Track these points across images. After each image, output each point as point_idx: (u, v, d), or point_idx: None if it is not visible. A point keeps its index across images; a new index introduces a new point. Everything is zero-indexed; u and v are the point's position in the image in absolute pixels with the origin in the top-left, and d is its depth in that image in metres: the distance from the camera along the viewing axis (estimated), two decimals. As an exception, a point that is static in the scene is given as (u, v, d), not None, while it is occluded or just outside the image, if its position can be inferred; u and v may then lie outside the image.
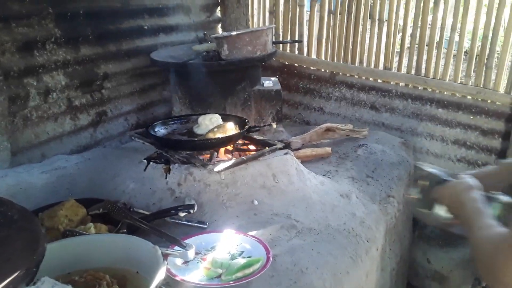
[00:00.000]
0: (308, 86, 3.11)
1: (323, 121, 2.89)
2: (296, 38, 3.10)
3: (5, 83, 1.74)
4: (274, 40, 2.76)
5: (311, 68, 3.09)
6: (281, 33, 3.14)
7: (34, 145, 1.97)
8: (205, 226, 1.58)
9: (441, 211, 1.32)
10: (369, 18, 2.94)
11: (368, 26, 2.93)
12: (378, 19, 2.87)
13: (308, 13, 3.08)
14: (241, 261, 1.36)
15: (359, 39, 2.91)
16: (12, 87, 1.83)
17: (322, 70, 3.06)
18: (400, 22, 2.78)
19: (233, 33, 2.35)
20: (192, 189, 1.70)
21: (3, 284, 0.77)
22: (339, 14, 2.93)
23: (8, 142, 1.76)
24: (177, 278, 1.28)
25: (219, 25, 3.15)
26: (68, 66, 2.08)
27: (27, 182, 1.66)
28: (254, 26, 3.24)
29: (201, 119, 2.00)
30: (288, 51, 3.17)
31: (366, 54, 2.92)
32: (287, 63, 3.17)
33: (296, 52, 3.14)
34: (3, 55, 1.79)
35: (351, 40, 2.95)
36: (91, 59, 2.19)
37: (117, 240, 1.32)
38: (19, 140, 1.89)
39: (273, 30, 2.91)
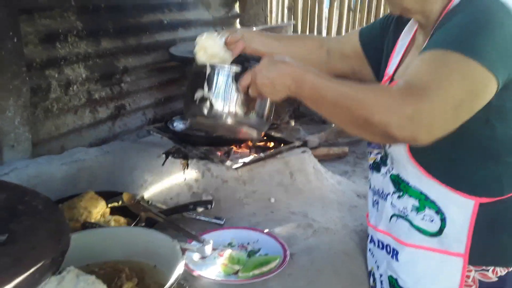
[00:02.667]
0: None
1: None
2: (315, 34, 3.08)
3: (27, 74, 1.75)
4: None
5: (329, 66, 3.07)
6: (299, 30, 3.13)
7: (54, 136, 1.99)
8: (222, 222, 1.58)
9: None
10: (390, 17, 2.91)
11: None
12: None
13: (327, 10, 3.06)
14: (258, 258, 1.36)
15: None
16: (34, 78, 1.84)
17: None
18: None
19: (253, 29, 2.35)
20: (210, 185, 1.71)
21: (30, 271, 0.78)
22: (359, 11, 2.92)
23: (29, 133, 1.78)
24: (194, 273, 1.28)
25: (238, 21, 3.15)
26: (88, 59, 2.09)
27: (47, 173, 1.67)
28: (273, 23, 3.24)
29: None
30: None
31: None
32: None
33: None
34: (26, 46, 1.80)
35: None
36: (112, 52, 2.20)
37: (136, 233, 1.33)
38: (40, 132, 1.91)
39: (292, 26, 2.90)
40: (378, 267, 1.32)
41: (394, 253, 1.24)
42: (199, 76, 1.11)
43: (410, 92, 0.88)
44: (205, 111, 1.09)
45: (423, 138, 0.88)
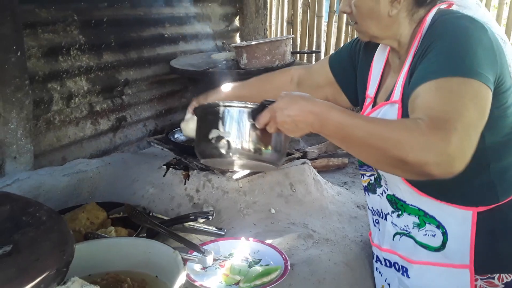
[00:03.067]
0: (324, 96, 3.12)
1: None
2: (314, 49, 3.12)
3: (30, 87, 1.78)
4: (292, 50, 2.78)
5: (328, 78, 3.10)
6: (298, 43, 3.17)
7: (56, 148, 2.01)
8: (223, 233, 1.59)
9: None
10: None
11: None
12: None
13: (326, 23, 3.11)
14: (259, 269, 1.37)
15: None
16: (37, 91, 1.87)
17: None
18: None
19: (252, 42, 2.38)
20: (210, 196, 1.72)
21: (35, 282, 0.79)
22: (357, 25, 2.96)
23: (31, 144, 1.80)
24: (196, 284, 1.29)
25: (238, 34, 3.19)
26: (90, 72, 2.12)
27: (49, 185, 1.69)
28: (272, 36, 3.28)
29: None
30: (305, 61, 3.19)
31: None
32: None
33: (313, 62, 3.16)
34: (29, 60, 1.83)
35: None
36: (113, 65, 2.23)
37: (137, 244, 1.34)
38: (42, 143, 1.93)
39: (291, 40, 2.94)
40: (389, 284, 1.33)
41: (404, 270, 1.25)
42: (212, 115, 1.10)
43: (437, 126, 0.88)
44: (222, 151, 1.08)
45: (458, 168, 0.88)
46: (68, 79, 2.02)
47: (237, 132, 1.07)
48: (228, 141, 1.07)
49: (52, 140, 1.99)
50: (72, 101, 2.04)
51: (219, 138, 1.08)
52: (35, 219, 1.01)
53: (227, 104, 1.09)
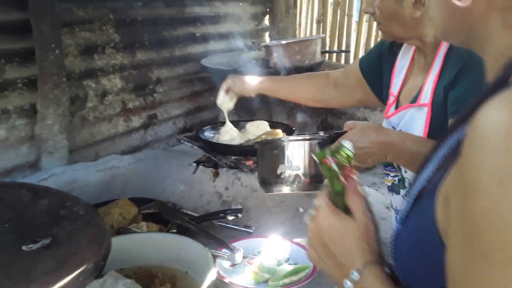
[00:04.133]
0: (353, 96, 3.09)
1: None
2: (343, 48, 3.10)
3: (67, 84, 1.83)
4: (322, 49, 2.77)
5: (357, 78, 3.08)
6: (328, 43, 3.15)
7: (89, 144, 2.06)
8: (251, 231, 1.60)
9: None
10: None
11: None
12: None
13: (356, 23, 3.08)
14: (287, 267, 1.37)
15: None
16: (73, 88, 1.92)
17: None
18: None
19: (282, 42, 2.38)
20: (239, 194, 1.74)
21: (73, 275, 0.82)
22: (389, 25, 2.92)
23: (67, 140, 1.85)
24: (225, 280, 1.30)
25: (267, 34, 3.19)
26: (124, 70, 2.17)
27: (83, 180, 1.74)
28: (302, 35, 3.27)
29: (249, 125, 2.04)
30: (334, 60, 3.17)
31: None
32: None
33: (343, 61, 3.14)
34: (67, 58, 1.89)
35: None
36: (146, 64, 2.28)
37: (168, 240, 1.36)
38: (76, 139, 1.99)
39: (322, 40, 2.93)
40: None
41: None
42: (278, 150, 1.13)
43: None
44: (293, 186, 1.11)
45: None
46: (102, 76, 2.07)
47: (307, 166, 1.08)
48: (297, 176, 1.09)
49: (86, 136, 2.04)
50: (106, 98, 2.10)
51: (288, 173, 1.10)
52: (72, 213, 1.05)
53: (293, 138, 1.13)
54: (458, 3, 0.55)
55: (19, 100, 1.75)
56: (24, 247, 0.93)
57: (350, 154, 0.78)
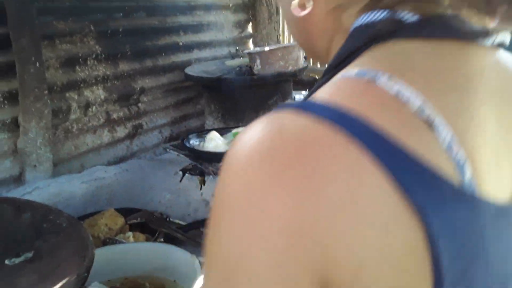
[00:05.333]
0: (338, 100, 3.11)
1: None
2: (327, 53, 3.12)
3: (49, 97, 1.82)
4: (305, 55, 2.79)
5: (342, 82, 3.10)
6: (311, 48, 3.18)
7: (74, 156, 2.05)
8: (239, 238, 1.60)
9: None
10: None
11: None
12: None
13: (339, 28, 3.11)
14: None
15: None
16: (55, 101, 1.91)
17: (353, 84, 3.06)
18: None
19: (266, 48, 2.40)
20: (226, 201, 1.73)
21: (59, 285, 0.81)
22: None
23: (50, 153, 1.84)
24: (213, 288, 1.30)
25: (251, 41, 3.21)
26: (107, 81, 2.16)
27: (68, 192, 1.72)
28: (285, 42, 3.28)
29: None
30: (318, 65, 3.19)
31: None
32: (317, 77, 3.19)
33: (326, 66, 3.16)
34: (48, 71, 1.88)
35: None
36: (129, 74, 2.27)
37: (155, 249, 1.36)
38: (60, 152, 1.97)
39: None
40: None
41: None
42: None
43: None
44: None
45: None
46: (85, 88, 2.06)
47: None
48: None
49: (71, 148, 2.03)
50: (90, 109, 2.08)
51: None
52: (55, 226, 1.04)
53: None
54: (297, 14, 0.52)
55: (0, 114, 1.73)
56: (7, 261, 0.92)
57: None
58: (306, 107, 0.39)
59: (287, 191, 0.36)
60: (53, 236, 1.00)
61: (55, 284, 0.82)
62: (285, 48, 2.38)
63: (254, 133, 0.40)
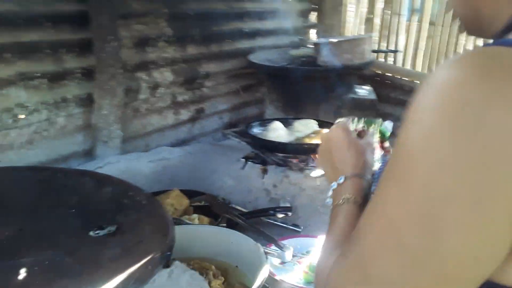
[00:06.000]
0: (400, 97, 3.02)
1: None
2: (392, 48, 3.03)
3: (122, 76, 1.87)
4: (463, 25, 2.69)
5: (405, 79, 3.01)
6: (376, 42, 3.09)
7: (140, 135, 2.11)
8: (300, 230, 1.59)
9: None
10: (473, 31, 2.81)
11: (471, 40, 2.81)
12: (483, 33, 2.73)
13: (407, 22, 3.01)
14: (337, 268, 1.36)
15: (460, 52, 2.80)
16: (127, 80, 1.96)
17: (417, 81, 2.97)
18: (509, 37, 2.63)
19: (333, 40, 2.36)
20: (288, 192, 1.73)
21: (141, 263, 0.83)
22: (442, 25, 2.84)
23: (121, 130, 1.90)
24: (276, 277, 1.31)
25: (314, 31, 3.16)
26: (175, 64, 2.20)
27: (136, 169, 1.78)
28: (349, 33, 3.22)
29: (297, 123, 2.03)
30: (382, 59, 3.11)
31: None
32: (379, 72, 3.11)
33: (391, 61, 3.08)
34: (122, 50, 1.93)
35: (451, 53, 2.84)
36: (196, 58, 2.30)
37: (220, 233, 1.38)
38: (128, 130, 2.03)
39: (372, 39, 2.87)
40: None
41: None
42: None
43: None
44: None
45: None
46: (155, 69, 2.10)
47: None
48: None
49: (138, 127, 2.09)
50: (157, 91, 2.13)
51: None
52: (135, 202, 1.07)
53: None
54: None
55: (77, 89, 1.80)
56: (91, 233, 0.96)
57: (385, 132, 0.89)
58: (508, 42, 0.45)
59: (510, 104, 0.40)
60: (134, 212, 1.03)
61: (139, 260, 0.84)
62: (353, 41, 2.33)
63: (465, 59, 0.46)
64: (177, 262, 0.93)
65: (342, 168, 0.78)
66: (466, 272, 0.43)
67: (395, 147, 0.49)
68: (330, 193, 0.78)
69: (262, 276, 1.14)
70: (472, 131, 0.41)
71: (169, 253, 0.87)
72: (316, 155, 0.91)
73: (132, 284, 0.77)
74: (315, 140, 1.85)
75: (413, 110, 0.47)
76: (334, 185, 0.77)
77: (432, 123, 0.44)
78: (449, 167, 0.42)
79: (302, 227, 1.60)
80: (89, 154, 1.87)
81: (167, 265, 0.89)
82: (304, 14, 3.08)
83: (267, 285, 1.18)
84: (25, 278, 0.83)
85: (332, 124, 1.93)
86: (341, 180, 0.76)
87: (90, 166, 1.70)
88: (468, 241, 0.42)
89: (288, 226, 1.60)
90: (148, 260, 0.84)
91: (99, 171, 1.65)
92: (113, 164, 1.73)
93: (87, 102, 1.83)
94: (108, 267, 0.85)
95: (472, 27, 0.62)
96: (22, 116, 1.65)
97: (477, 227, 0.41)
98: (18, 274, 0.83)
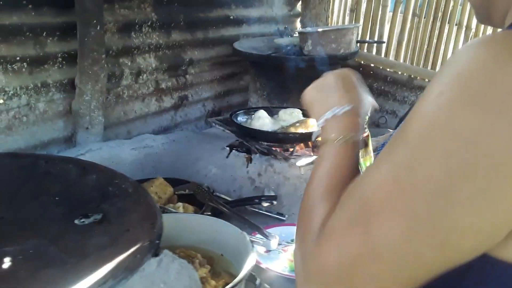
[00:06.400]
0: (382, 88, 3.06)
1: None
2: (376, 39, 3.05)
3: (105, 61, 1.83)
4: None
5: (388, 70, 3.04)
6: (360, 32, 3.10)
7: (122, 122, 2.07)
8: (284, 219, 1.60)
9: None
10: (456, 25, 2.84)
11: (454, 32, 2.84)
12: (465, 26, 2.77)
13: (390, 14, 3.02)
14: (322, 257, 1.37)
15: (442, 45, 2.83)
16: (110, 65, 1.93)
17: (399, 73, 3.00)
18: (490, 30, 2.67)
19: (319, 29, 2.36)
20: (272, 181, 1.73)
21: (130, 251, 0.82)
22: (424, 17, 2.86)
23: (102, 117, 1.86)
24: (261, 266, 1.31)
25: (299, 20, 3.15)
26: (159, 50, 2.16)
27: (118, 157, 1.75)
28: (333, 23, 3.22)
29: (282, 112, 2.03)
30: (365, 50, 3.13)
31: (448, 61, 2.84)
32: (362, 62, 3.13)
33: (374, 52, 3.09)
34: (105, 34, 1.89)
35: (433, 45, 2.87)
36: (180, 44, 2.27)
37: (205, 222, 1.37)
38: (110, 116, 2.00)
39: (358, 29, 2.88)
40: None
41: None
42: None
43: None
44: None
45: None
46: (138, 55, 2.07)
47: None
48: None
49: (120, 114, 2.05)
50: (141, 77, 2.10)
51: None
52: (121, 190, 1.05)
53: None
54: None
55: (58, 74, 1.75)
56: (76, 221, 0.94)
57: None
58: None
59: None
60: (120, 200, 1.01)
61: (128, 249, 0.83)
62: (339, 31, 2.33)
63: (494, 40, 0.48)
64: (166, 251, 0.92)
65: (334, 102, 0.72)
66: (468, 244, 0.45)
67: (413, 113, 0.49)
68: (320, 126, 0.72)
69: (249, 264, 1.14)
70: (499, 111, 0.42)
71: (157, 241, 0.86)
72: (306, 90, 0.83)
73: (121, 273, 0.76)
74: (300, 129, 1.85)
75: (438, 82, 0.47)
76: (328, 114, 0.70)
77: (460, 99, 0.45)
78: (473, 143, 0.43)
79: (286, 216, 1.61)
80: (69, 140, 1.83)
81: (156, 254, 0.88)
82: (290, 3, 3.06)
83: (254, 273, 1.18)
84: (9, 267, 0.81)
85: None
86: (338, 110, 0.70)
87: (71, 153, 1.67)
88: (478, 216, 0.43)
89: (273, 215, 1.61)
90: (136, 249, 0.83)
91: (81, 158, 1.61)
92: (95, 151, 1.71)
93: (68, 87, 1.79)
94: (95, 256, 0.83)
95: (483, 15, 0.63)
96: (1, 101, 1.60)
97: (489, 204, 0.43)
98: (1, 263, 0.81)
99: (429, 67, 2.88)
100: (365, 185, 0.51)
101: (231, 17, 2.57)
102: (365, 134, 0.78)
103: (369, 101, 0.79)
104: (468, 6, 2.72)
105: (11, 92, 1.62)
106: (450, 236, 0.44)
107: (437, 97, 0.46)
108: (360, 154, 0.73)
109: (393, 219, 0.45)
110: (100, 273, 0.76)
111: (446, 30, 2.80)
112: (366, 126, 0.75)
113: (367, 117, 0.78)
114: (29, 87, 1.67)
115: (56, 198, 1.03)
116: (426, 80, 2.89)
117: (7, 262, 0.82)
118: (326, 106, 0.73)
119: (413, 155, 0.46)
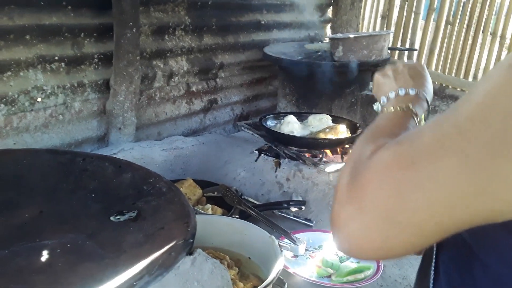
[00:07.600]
0: (412, 96, 3.01)
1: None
2: (407, 46, 3.02)
3: (140, 63, 1.87)
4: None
5: (419, 78, 2.99)
6: (391, 39, 3.08)
7: (153, 123, 2.11)
8: (312, 224, 1.59)
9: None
10: (490, 34, 2.79)
11: (488, 42, 2.78)
12: (500, 36, 2.71)
13: (423, 21, 2.99)
14: (350, 264, 1.36)
15: (476, 54, 2.77)
16: (143, 67, 1.96)
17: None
18: (527, 40, 2.61)
19: (350, 35, 2.34)
20: (300, 186, 1.73)
21: (164, 249, 0.83)
22: (457, 25, 2.81)
23: (135, 118, 1.90)
24: (289, 270, 1.31)
25: (329, 26, 3.15)
26: (191, 53, 2.19)
27: (149, 157, 1.78)
28: (364, 30, 3.20)
29: (311, 118, 2.02)
30: (396, 57, 3.09)
31: (481, 71, 2.78)
32: (393, 70, 3.09)
33: (405, 59, 3.06)
34: (140, 36, 1.92)
35: (467, 54, 2.82)
36: (212, 48, 2.29)
37: (234, 224, 1.38)
38: (142, 117, 2.03)
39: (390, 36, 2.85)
40: None
41: None
42: None
43: None
44: None
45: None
46: (171, 58, 2.10)
47: None
48: None
49: (151, 115, 2.09)
50: (172, 79, 2.13)
51: None
52: (155, 189, 1.07)
53: None
54: None
55: (94, 74, 1.80)
56: (112, 218, 0.96)
57: None
58: None
59: None
60: (154, 199, 1.02)
61: (162, 246, 0.84)
62: (371, 37, 2.31)
63: None
64: (199, 250, 0.93)
65: (404, 85, 0.77)
66: (492, 216, 0.45)
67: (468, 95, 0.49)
68: (384, 101, 0.76)
69: (277, 268, 1.14)
70: None
71: (191, 240, 0.87)
72: (377, 73, 0.87)
73: (156, 269, 0.77)
74: (330, 135, 1.85)
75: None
76: (392, 94, 0.75)
77: None
78: None
79: (314, 222, 1.60)
80: (102, 140, 1.87)
81: (190, 253, 0.89)
82: (321, 8, 3.06)
83: (282, 278, 1.18)
84: (47, 260, 0.83)
85: (345, 119, 1.86)
86: (402, 92, 0.74)
87: (104, 152, 1.71)
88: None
89: (300, 220, 1.60)
90: (171, 247, 0.84)
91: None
92: (127, 151, 1.74)
93: (103, 88, 1.83)
94: (131, 252, 0.85)
95: None
96: (39, 99, 1.65)
97: None
98: (40, 256, 0.83)
99: (461, 76, 2.83)
100: (421, 128, 0.51)
101: (262, 22, 2.58)
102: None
103: (432, 91, 0.82)
104: (503, 15, 2.67)
105: (49, 91, 1.66)
106: (496, 185, 0.44)
107: (507, 69, 0.46)
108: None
109: (443, 162, 0.46)
110: (136, 269, 0.78)
111: (480, 39, 2.75)
112: (426, 113, 0.75)
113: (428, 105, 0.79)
114: (66, 87, 1.71)
115: (93, 195, 1.06)
116: (458, 89, 2.84)
117: (46, 255, 0.84)
118: (392, 87, 0.78)
119: (475, 108, 0.46)
